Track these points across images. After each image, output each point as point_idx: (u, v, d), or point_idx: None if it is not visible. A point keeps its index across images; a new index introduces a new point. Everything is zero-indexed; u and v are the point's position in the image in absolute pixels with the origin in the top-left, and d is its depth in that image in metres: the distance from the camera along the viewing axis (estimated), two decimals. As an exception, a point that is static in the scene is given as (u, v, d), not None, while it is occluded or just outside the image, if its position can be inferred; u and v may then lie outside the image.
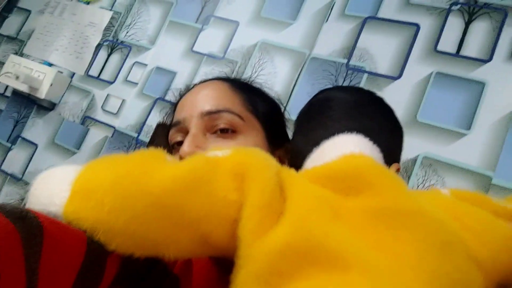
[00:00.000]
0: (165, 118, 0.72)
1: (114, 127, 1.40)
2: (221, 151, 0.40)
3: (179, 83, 1.36)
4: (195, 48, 1.38)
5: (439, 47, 1.03)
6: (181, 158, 0.52)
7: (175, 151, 0.58)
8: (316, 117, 0.50)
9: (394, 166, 0.47)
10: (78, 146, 1.44)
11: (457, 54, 1.00)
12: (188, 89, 0.64)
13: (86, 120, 1.47)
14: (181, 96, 0.64)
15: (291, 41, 1.23)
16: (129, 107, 1.41)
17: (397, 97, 1.01)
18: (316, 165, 0.43)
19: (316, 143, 0.46)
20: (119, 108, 1.43)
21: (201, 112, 0.55)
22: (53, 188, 0.37)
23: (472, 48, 0.99)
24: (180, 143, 0.56)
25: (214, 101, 0.57)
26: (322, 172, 0.41)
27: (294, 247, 0.32)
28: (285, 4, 1.27)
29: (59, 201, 0.36)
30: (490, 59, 0.97)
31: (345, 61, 1.13)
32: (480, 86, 0.95)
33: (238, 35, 1.32)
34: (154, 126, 1.31)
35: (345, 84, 1.10)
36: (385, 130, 0.48)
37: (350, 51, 1.13)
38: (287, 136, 0.65)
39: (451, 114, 0.96)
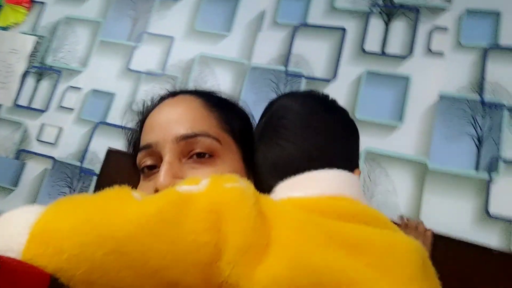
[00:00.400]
0: (128, 137, 0.68)
1: (53, 158, 1.32)
2: (196, 186, 0.38)
3: (119, 104, 1.31)
4: (131, 67, 1.34)
5: (366, 48, 1.11)
6: (156, 190, 0.49)
7: (144, 176, 0.54)
8: (273, 138, 0.50)
9: (357, 172, 0.49)
10: (15, 183, 1.34)
11: (382, 53, 1.09)
12: (154, 104, 0.59)
13: (21, 154, 1.37)
14: (147, 112, 0.59)
15: (229, 52, 1.25)
16: (67, 135, 1.34)
17: (334, 97, 1.08)
18: (292, 196, 0.43)
19: (278, 171, 0.47)
20: (56, 137, 1.35)
21: (175, 137, 0.51)
22: (11, 231, 0.34)
23: (395, 45, 1.08)
24: (151, 167, 0.53)
25: (190, 123, 0.53)
26: (309, 204, 0.42)
27: (294, 279, 0.33)
28: (217, 16, 1.29)
29: (17, 246, 0.33)
30: (411, 53, 1.06)
31: (283, 68, 1.17)
32: (405, 80, 1.04)
33: (175, 50, 1.31)
34: (98, 152, 1.26)
35: (287, 90, 1.15)
36: (341, 141, 0.50)
37: (286, 58, 1.17)
38: None
39: (385, 108, 1.04)
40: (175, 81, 1.28)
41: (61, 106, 1.38)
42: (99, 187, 0.99)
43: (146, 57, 1.34)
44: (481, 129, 0.96)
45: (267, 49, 1.20)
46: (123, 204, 0.36)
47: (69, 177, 1.29)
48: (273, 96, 0.62)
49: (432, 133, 0.99)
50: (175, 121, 0.53)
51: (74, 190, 1.27)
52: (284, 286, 0.33)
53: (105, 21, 1.42)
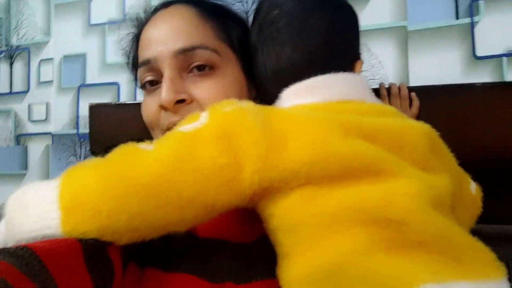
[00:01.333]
0: (126, 52, 0.65)
1: (50, 133, 1.34)
2: (197, 121, 0.39)
3: (93, 62, 1.29)
4: (92, 21, 1.30)
5: None
6: (162, 107, 0.50)
7: (147, 92, 0.54)
8: (269, 44, 0.48)
9: (359, 64, 0.48)
10: (25, 166, 1.37)
11: None
12: (148, 17, 0.57)
13: (20, 138, 1.39)
14: (141, 25, 0.57)
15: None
16: (56, 108, 1.34)
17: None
18: (300, 103, 0.43)
19: (280, 78, 0.46)
20: (46, 113, 1.35)
21: (173, 51, 0.50)
22: (36, 212, 0.35)
23: None
24: (152, 83, 0.52)
25: (186, 36, 0.51)
26: (319, 107, 0.42)
27: (322, 164, 0.35)
28: None
29: (52, 222, 0.34)
30: None
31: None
32: None
33: (129, -10, 1.25)
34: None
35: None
36: (340, 36, 0.47)
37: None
38: None
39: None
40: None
41: (41, 82, 1.37)
42: (93, 143, 1.01)
43: (104, 7, 1.28)
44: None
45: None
46: (138, 156, 0.37)
47: (70, 146, 1.32)
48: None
49: (407, -7, 0.94)
50: (172, 35, 0.51)
51: (80, 157, 1.30)
52: (316, 171, 0.35)
53: (53, -18, 1.35)
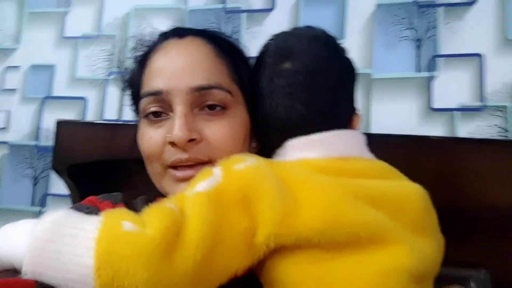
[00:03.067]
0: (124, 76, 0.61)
1: (7, 143, 1.28)
2: (211, 178, 0.40)
3: (62, 75, 1.26)
4: (66, 34, 1.28)
5: (300, -30, 1.08)
6: (171, 143, 0.48)
7: (150, 122, 0.52)
8: (280, 97, 0.49)
9: (357, 118, 0.52)
10: (-25, 175, 1.30)
11: (316, -28, 1.07)
12: (155, 43, 0.55)
13: (-27, 145, 1.32)
14: (149, 51, 0.55)
15: (164, 0, 1.20)
16: (16, 117, 1.29)
17: (277, 26, 1.07)
18: (306, 158, 0.45)
19: (287, 130, 0.48)
20: (6, 121, 1.30)
21: (190, 87, 0.49)
22: (70, 268, 0.33)
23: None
24: (157, 114, 0.51)
25: (204, 74, 0.50)
26: (324, 165, 0.44)
27: (330, 233, 0.37)
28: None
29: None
30: None
31: (221, 6, 1.14)
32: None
33: (108, 7, 1.25)
34: (51, 127, 1.23)
35: (228, 28, 1.12)
36: (347, 92, 0.51)
37: (223, -5, 1.14)
38: None
39: (326, 28, 1.03)
40: (114, 40, 1.23)
41: (4, 89, 1.32)
42: (56, 159, 0.98)
43: (79, 21, 1.27)
44: (417, 31, 0.98)
45: (202, -11, 1.16)
46: (180, 245, 0.35)
47: (28, 158, 1.26)
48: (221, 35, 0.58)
49: (373, 43, 1.00)
50: (189, 70, 0.50)
51: (36, 170, 1.25)
52: (327, 238, 0.37)
53: (29, -10, 1.33)
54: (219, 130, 0.50)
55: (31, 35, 1.32)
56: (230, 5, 1.14)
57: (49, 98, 1.27)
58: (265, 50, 0.53)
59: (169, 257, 0.33)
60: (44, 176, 1.24)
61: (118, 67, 1.21)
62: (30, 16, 1.33)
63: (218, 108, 0.51)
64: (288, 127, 0.48)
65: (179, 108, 0.49)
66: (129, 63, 0.60)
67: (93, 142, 0.92)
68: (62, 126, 0.97)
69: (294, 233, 0.37)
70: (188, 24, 1.17)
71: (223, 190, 0.39)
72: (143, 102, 0.52)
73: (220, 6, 1.14)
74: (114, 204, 0.57)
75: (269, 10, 1.10)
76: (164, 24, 1.18)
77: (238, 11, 1.13)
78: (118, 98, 1.20)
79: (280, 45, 0.52)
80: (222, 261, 0.36)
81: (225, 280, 0.37)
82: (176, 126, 0.47)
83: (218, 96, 0.51)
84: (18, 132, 1.28)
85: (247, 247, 0.37)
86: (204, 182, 0.39)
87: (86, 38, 1.26)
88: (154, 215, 0.36)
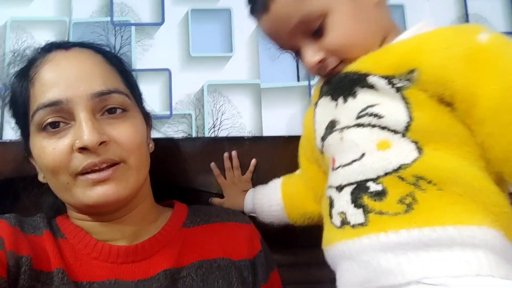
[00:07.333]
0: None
1: None
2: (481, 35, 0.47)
3: None
4: None
5: (186, -14, 1.14)
6: (80, 149, 0.48)
7: (47, 134, 0.51)
8: None
9: None
10: None
11: (202, -11, 1.13)
12: (36, 56, 0.55)
13: None
14: (31, 64, 0.54)
15: (44, 11, 1.13)
16: None
17: (168, 40, 1.10)
18: None
19: None
20: None
21: (90, 93, 0.51)
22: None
23: (213, -18, 1.14)
24: (55, 125, 0.51)
25: (101, 80, 0.53)
26: None
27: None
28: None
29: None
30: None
31: (108, 18, 1.13)
32: (227, 12, 1.12)
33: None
34: None
35: (118, 41, 1.11)
36: None
37: (110, 8, 1.13)
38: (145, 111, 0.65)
39: (216, 42, 1.11)
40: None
41: None
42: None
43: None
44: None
45: (87, 2, 1.13)
46: None
47: None
48: (104, 47, 0.60)
49: (259, 57, 1.11)
50: (86, 78, 0.52)
51: None
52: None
53: None
54: (125, 130, 0.53)
55: None
56: (117, 18, 1.13)
57: None
58: None
59: None
60: None
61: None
62: None
63: (119, 111, 0.54)
64: None
65: (83, 115, 0.50)
66: (8, 80, 0.59)
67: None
68: None
69: None
70: (72, 37, 1.12)
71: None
72: (39, 115, 0.51)
73: (107, 19, 1.13)
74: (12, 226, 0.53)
75: (159, 24, 1.12)
76: (45, 37, 1.12)
77: (127, 24, 1.13)
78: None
79: None
80: None
81: None
82: (85, 131, 0.49)
83: (118, 99, 0.54)
84: None
85: None
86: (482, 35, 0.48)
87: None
88: None
